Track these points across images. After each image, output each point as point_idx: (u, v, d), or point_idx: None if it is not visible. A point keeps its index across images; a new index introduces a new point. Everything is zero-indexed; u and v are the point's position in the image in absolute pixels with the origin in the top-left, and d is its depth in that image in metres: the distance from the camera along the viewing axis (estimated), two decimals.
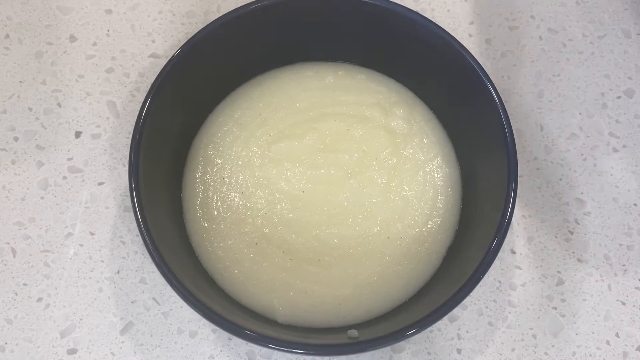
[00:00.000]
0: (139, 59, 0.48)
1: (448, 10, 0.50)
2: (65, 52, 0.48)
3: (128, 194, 0.37)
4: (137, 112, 0.38)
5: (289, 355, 0.40)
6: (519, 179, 0.37)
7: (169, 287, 0.35)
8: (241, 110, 0.44)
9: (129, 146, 0.37)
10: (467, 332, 0.41)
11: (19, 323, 0.41)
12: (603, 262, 0.43)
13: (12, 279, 0.42)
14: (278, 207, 0.41)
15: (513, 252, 0.43)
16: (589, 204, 0.45)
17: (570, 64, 0.49)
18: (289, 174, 0.42)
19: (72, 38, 0.49)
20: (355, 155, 0.42)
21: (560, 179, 0.45)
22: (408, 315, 0.37)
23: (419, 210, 0.41)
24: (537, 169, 0.45)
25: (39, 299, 0.42)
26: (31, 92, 0.47)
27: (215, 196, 0.42)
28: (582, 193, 0.45)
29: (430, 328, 0.40)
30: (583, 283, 0.43)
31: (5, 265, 0.43)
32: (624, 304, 0.42)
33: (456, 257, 0.40)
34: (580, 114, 0.47)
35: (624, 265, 0.43)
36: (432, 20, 0.40)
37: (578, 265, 0.43)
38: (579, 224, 0.44)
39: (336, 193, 0.41)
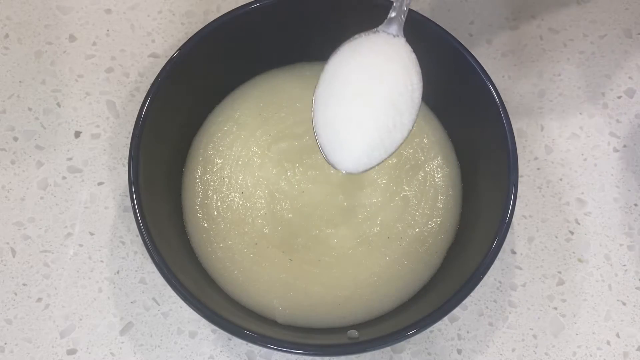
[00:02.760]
0: (139, 58, 0.48)
1: (448, 10, 0.50)
2: (64, 52, 0.48)
3: (128, 194, 0.37)
4: (137, 112, 0.38)
5: (289, 355, 0.40)
6: (519, 179, 0.37)
7: (168, 287, 0.35)
8: (241, 110, 0.44)
9: (129, 146, 0.37)
10: (468, 332, 0.41)
11: (19, 323, 0.41)
12: (603, 262, 0.43)
13: (11, 279, 0.42)
14: (278, 207, 0.41)
15: (513, 252, 0.43)
16: (589, 204, 0.44)
17: (571, 64, 0.48)
18: (289, 174, 0.42)
19: (72, 38, 0.49)
20: None
21: (561, 179, 0.45)
22: (408, 315, 0.37)
23: (419, 210, 0.41)
24: (538, 168, 0.45)
25: (39, 299, 0.42)
26: (31, 92, 0.47)
27: (215, 196, 0.42)
28: (582, 193, 0.45)
29: (430, 328, 0.40)
30: (583, 283, 0.42)
31: (5, 265, 0.43)
32: (624, 304, 0.42)
33: (456, 257, 0.40)
34: (580, 113, 0.47)
35: (624, 265, 0.43)
36: (432, 20, 0.40)
37: (578, 265, 0.43)
38: (579, 224, 0.44)
39: (336, 193, 0.41)
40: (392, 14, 0.36)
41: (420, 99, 0.35)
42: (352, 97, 0.35)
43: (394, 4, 0.36)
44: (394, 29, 0.36)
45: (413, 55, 0.36)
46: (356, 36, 0.36)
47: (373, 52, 0.35)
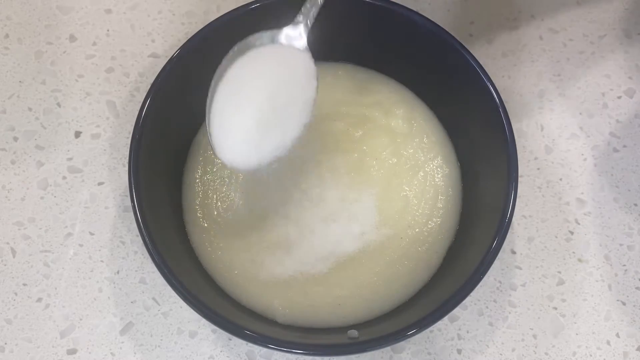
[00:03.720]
0: (139, 58, 0.48)
1: (448, 10, 0.50)
2: (65, 52, 0.48)
3: (128, 194, 0.37)
4: (137, 112, 0.38)
5: (289, 355, 0.40)
6: (519, 179, 0.37)
7: (168, 287, 0.35)
8: None
9: (129, 146, 0.37)
10: (468, 332, 0.41)
11: (19, 323, 0.41)
12: (603, 262, 0.43)
13: (12, 279, 0.42)
14: (278, 207, 0.41)
15: (513, 252, 0.43)
16: (589, 204, 0.44)
17: (570, 64, 0.49)
18: (289, 173, 0.42)
19: (72, 38, 0.49)
20: (355, 155, 0.42)
21: (561, 179, 0.45)
22: (408, 315, 0.37)
23: (419, 210, 0.41)
24: (538, 169, 0.45)
25: (39, 299, 0.42)
26: (31, 92, 0.47)
27: (215, 196, 0.42)
28: (582, 193, 0.45)
29: (430, 328, 0.40)
30: (583, 283, 0.42)
31: (5, 265, 0.43)
32: (624, 304, 0.42)
33: (456, 257, 0.40)
34: (580, 113, 0.47)
35: (624, 265, 0.43)
36: (432, 20, 0.40)
37: (578, 265, 0.43)
38: (579, 224, 0.44)
39: (336, 193, 0.41)
40: (300, 18, 0.37)
41: (310, 111, 0.37)
42: (247, 103, 0.36)
43: (302, 11, 0.37)
44: (300, 41, 0.37)
45: (314, 67, 0.37)
46: (263, 43, 0.37)
47: (276, 61, 0.37)
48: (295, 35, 0.37)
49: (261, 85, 0.36)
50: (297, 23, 0.37)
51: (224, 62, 0.37)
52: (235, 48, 0.37)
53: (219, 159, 0.37)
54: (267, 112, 0.35)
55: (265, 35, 0.37)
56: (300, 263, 0.40)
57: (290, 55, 0.37)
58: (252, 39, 0.37)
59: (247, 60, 0.37)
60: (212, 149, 0.37)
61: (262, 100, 0.35)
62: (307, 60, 0.37)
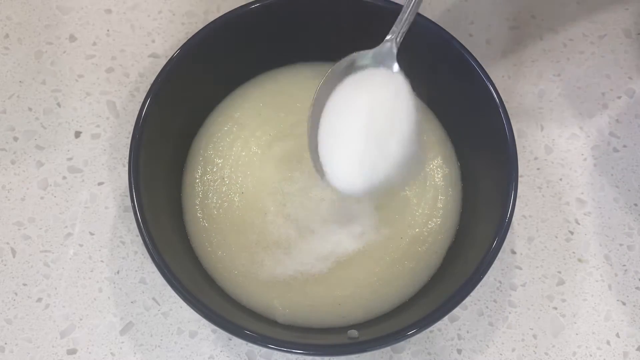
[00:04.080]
0: (139, 58, 0.48)
1: (448, 10, 0.50)
2: (65, 52, 0.48)
3: (128, 194, 0.37)
4: (137, 112, 0.38)
5: (289, 355, 0.40)
6: (519, 179, 0.37)
7: (168, 287, 0.35)
8: (241, 110, 0.44)
9: (129, 146, 0.37)
10: (468, 332, 0.41)
11: (19, 323, 0.41)
12: (603, 262, 0.43)
13: (11, 279, 0.42)
14: (278, 207, 0.41)
15: (513, 252, 0.43)
16: (589, 204, 0.44)
17: (570, 64, 0.49)
18: (289, 174, 0.42)
19: (72, 38, 0.49)
20: None
21: (561, 179, 0.45)
22: (408, 315, 0.37)
23: (419, 210, 0.41)
24: (538, 168, 0.45)
25: (39, 299, 0.42)
26: (31, 92, 0.47)
27: (215, 196, 0.42)
28: (582, 193, 0.45)
29: (430, 328, 0.40)
30: (583, 283, 0.43)
31: (5, 265, 0.43)
32: (624, 304, 0.42)
33: (456, 257, 0.40)
34: (580, 113, 0.47)
35: (624, 265, 0.43)
36: (432, 20, 0.40)
37: (578, 265, 0.43)
38: (579, 224, 0.44)
39: (336, 192, 0.41)
40: (395, 49, 0.37)
41: (414, 128, 0.36)
42: (351, 129, 0.36)
43: (393, 30, 0.37)
44: (393, 62, 0.37)
45: (408, 88, 0.36)
46: (358, 67, 0.37)
47: (373, 86, 0.37)
48: (386, 56, 0.37)
49: (365, 112, 0.36)
50: (387, 42, 0.37)
51: (322, 88, 0.37)
52: (329, 72, 0.37)
53: (332, 186, 0.37)
54: (372, 139, 0.35)
55: (360, 57, 0.37)
56: (300, 263, 0.40)
57: (388, 79, 0.37)
58: (345, 63, 0.37)
59: (347, 86, 0.37)
60: (325, 176, 0.37)
61: (368, 127, 0.35)
62: (403, 82, 0.36)
